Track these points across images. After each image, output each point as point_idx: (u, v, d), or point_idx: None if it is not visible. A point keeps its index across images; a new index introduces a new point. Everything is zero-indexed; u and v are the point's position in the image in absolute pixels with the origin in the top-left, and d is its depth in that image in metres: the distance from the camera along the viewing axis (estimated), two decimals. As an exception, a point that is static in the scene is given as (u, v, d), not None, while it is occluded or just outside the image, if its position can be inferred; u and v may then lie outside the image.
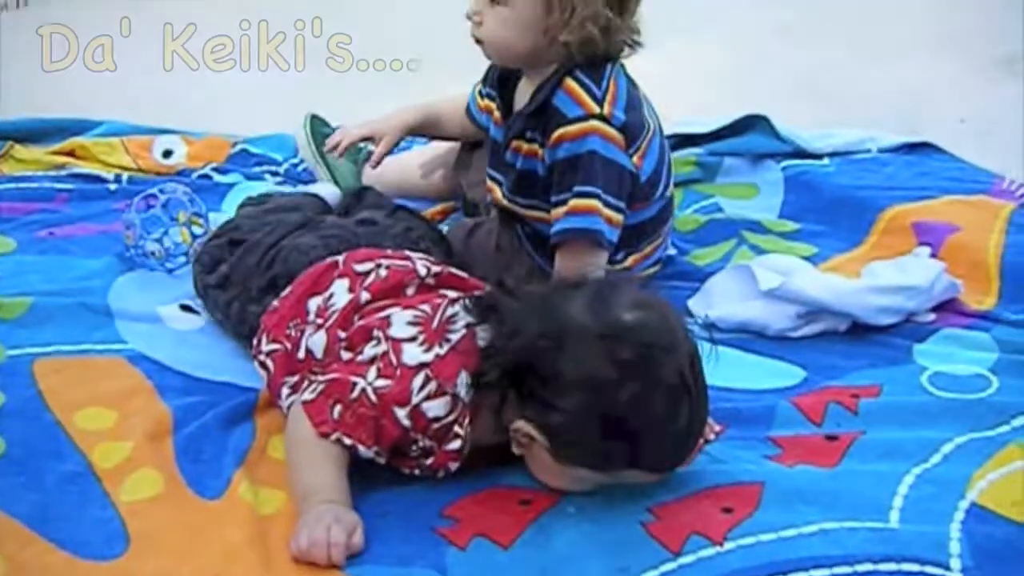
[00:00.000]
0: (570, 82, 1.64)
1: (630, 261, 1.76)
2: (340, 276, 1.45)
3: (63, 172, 2.15)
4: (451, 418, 1.28)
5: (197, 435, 1.40)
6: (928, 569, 1.16)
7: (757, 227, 2.01)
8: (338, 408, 1.27)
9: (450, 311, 1.33)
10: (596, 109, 1.63)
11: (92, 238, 1.89)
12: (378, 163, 1.90)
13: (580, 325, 1.24)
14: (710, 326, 1.68)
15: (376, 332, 1.33)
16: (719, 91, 2.59)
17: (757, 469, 1.33)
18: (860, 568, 1.16)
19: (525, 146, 1.70)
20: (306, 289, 1.47)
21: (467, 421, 1.28)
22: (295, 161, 2.22)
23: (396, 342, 1.31)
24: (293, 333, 1.43)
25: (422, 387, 1.27)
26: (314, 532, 1.19)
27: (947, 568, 1.16)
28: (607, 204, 1.62)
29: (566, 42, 1.63)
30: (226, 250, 1.69)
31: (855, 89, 2.70)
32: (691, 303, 1.76)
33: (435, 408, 1.28)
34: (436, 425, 1.28)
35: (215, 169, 2.21)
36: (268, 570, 1.19)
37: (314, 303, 1.44)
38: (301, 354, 1.41)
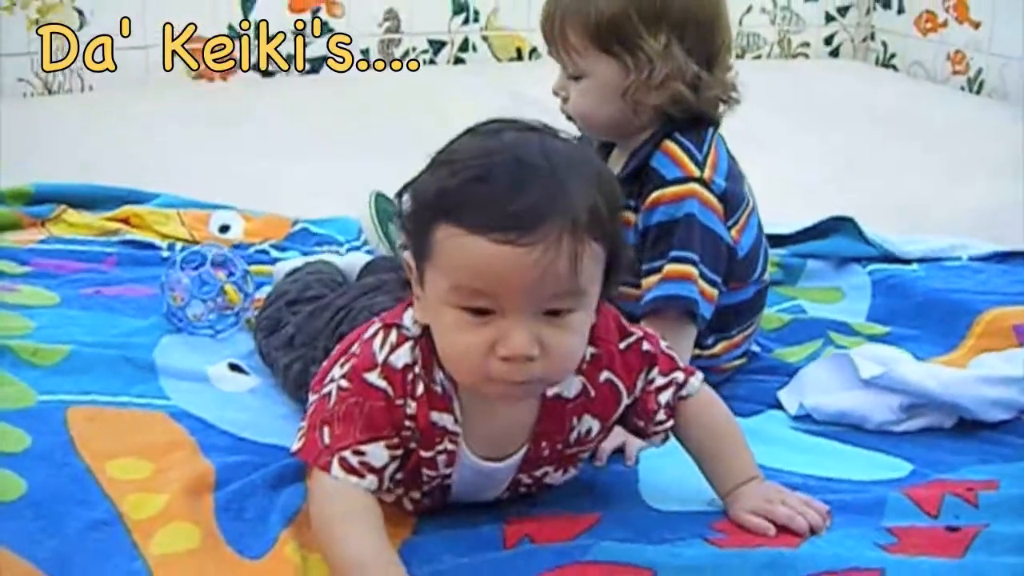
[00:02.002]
0: (670, 144, 1.54)
1: (719, 348, 1.62)
2: None
3: (115, 238, 2.07)
4: (420, 364, 1.14)
5: (241, 493, 1.25)
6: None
7: (845, 328, 1.88)
8: (326, 429, 1.13)
9: None
10: (696, 172, 1.52)
11: (140, 299, 1.78)
12: None
13: None
14: (804, 417, 1.56)
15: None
16: (801, 203, 2.48)
17: (874, 555, 1.16)
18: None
19: None
20: (350, 342, 1.34)
21: (434, 364, 1.14)
22: (357, 244, 2.13)
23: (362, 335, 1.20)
24: None
25: (383, 344, 1.15)
26: None
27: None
28: (703, 275, 1.49)
29: (655, 105, 1.54)
30: (285, 311, 1.60)
31: (940, 205, 2.59)
32: (782, 394, 1.61)
33: (402, 356, 1.14)
34: (410, 375, 1.14)
35: (273, 246, 2.12)
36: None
37: None
38: None
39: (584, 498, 1.30)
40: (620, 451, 1.41)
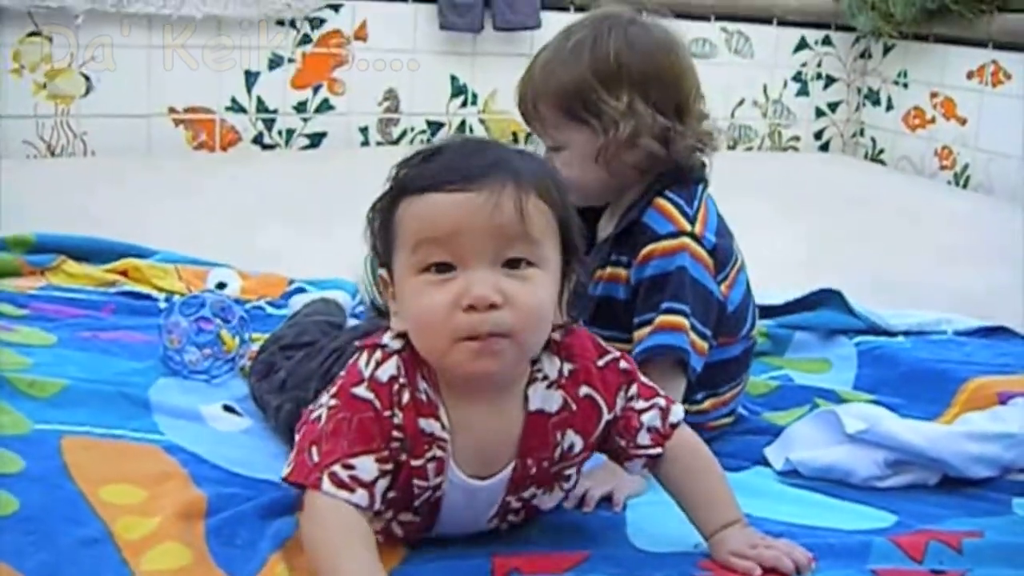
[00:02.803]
0: (661, 201, 1.58)
1: (708, 404, 1.64)
2: None
3: (112, 289, 2.10)
4: (403, 375, 1.17)
5: (232, 520, 1.26)
6: None
7: (831, 395, 1.90)
8: (314, 449, 1.14)
9: None
10: (688, 227, 1.55)
11: (136, 344, 1.80)
12: None
13: None
14: (790, 472, 1.57)
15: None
16: (788, 278, 2.52)
17: (858, 594, 1.17)
18: None
19: (608, 271, 1.61)
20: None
21: (417, 374, 1.17)
22: (353, 303, 2.15)
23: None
24: None
25: (368, 362, 1.18)
26: None
27: None
28: (694, 328, 1.52)
29: (632, 163, 1.58)
30: (278, 356, 1.62)
31: (926, 285, 2.64)
32: (768, 450, 1.63)
33: (387, 370, 1.17)
34: (396, 386, 1.16)
35: (269, 303, 2.15)
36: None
37: None
38: None
39: (572, 538, 1.31)
40: (608, 499, 1.42)
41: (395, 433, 1.16)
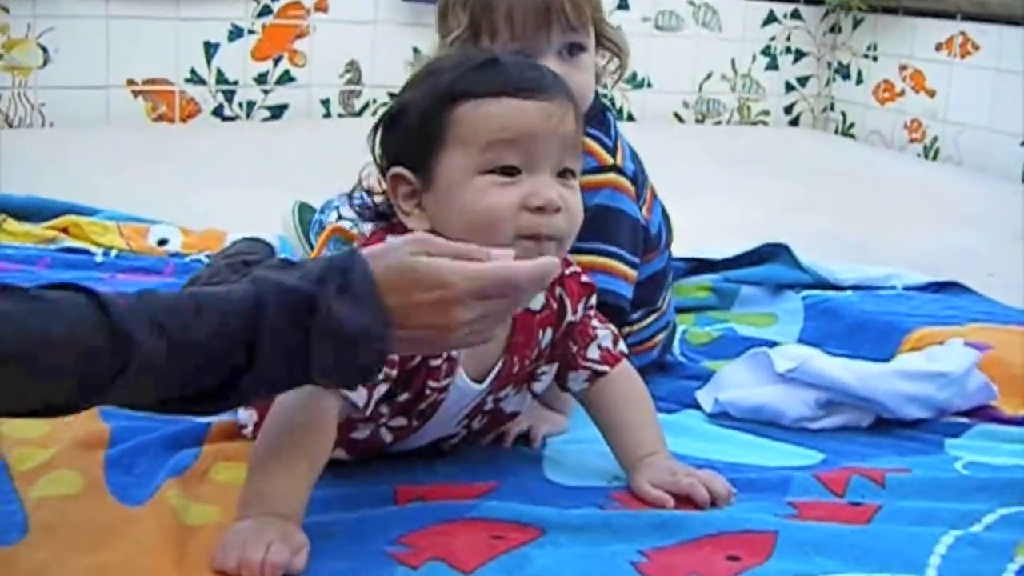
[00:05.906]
0: (585, 139, 1.54)
1: (649, 320, 1.64)
2: None
3: (52, 246, 2.07)
4: None
5: (133, 451, 1.24)
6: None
7: (772, 345, 1.87)
8: None
9: None
10: (610, 160, 1.53)
11: (64, 295, 1.77)
12: None
13: None
14: (721, 415, 1.54)
15: None
16: (743, 237, 2.49)
17: (770, 519, 1.14)
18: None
19: None
20: None
21: None
22: (291, 259, 2.13)
23: None
24: None
25: None
26: (249, 550, 1.01)
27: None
28: (623, 260, 1.50)
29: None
30: None
31: (880, 248, 2.61)
32: (699, 393, 1.60)
33: None
34: None
35: (208, 255, 2.12)
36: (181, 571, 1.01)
37: None
38: None
39: (483, 470, 1.29)
40: (526, 436, 1.40)
41: None
